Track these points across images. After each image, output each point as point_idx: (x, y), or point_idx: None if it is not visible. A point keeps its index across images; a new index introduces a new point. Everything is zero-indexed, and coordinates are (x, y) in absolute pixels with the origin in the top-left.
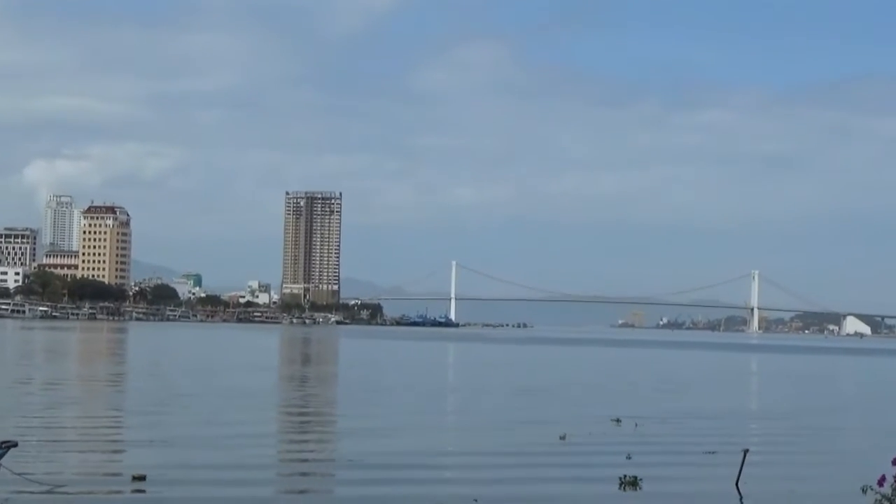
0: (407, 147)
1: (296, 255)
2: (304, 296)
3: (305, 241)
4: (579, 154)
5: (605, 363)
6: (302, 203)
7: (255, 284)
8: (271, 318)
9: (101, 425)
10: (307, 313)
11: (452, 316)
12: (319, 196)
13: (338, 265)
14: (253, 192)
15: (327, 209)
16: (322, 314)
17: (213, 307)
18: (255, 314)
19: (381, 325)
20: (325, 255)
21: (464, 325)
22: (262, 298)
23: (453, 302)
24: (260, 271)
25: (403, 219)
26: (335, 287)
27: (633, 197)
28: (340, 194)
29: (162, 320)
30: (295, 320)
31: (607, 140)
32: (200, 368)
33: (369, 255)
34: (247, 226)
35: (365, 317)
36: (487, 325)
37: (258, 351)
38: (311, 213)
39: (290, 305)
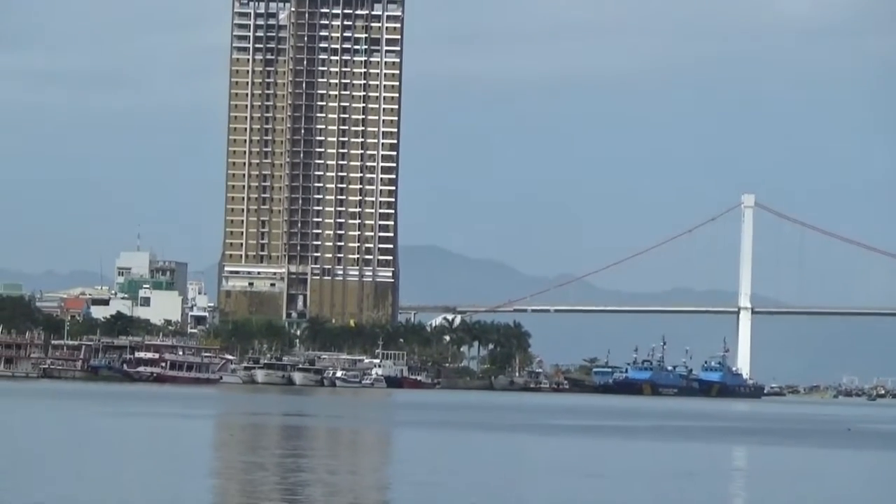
0: None
1: (263, 181)
2: (291, 301)
3: (292, 140)
4: None
5: None
6: (284, 18)
7: (139, 264)
8: (189, 365)
9: None
10: (299, 350)
11: (744, 367)
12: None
13: (393, 210)
14: None
15: (361, 46)
16: (344, 358)
17: (14, 337)
18: (143, 356)
19: (528, 388)
20: (357, 180)
21: (777, 392)
22: (163, 307)
23: (745, 323)
24: (157, 226)
25: (611, 71)
26: (386, 275)
27: None
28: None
29: None
30: (260, 372)
31: None
32: None
33: (484, 186)
34: (122, 89)
35: (477, 368)
36: (853, 394)
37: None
38: (312, 58)
39: (244, 329)
